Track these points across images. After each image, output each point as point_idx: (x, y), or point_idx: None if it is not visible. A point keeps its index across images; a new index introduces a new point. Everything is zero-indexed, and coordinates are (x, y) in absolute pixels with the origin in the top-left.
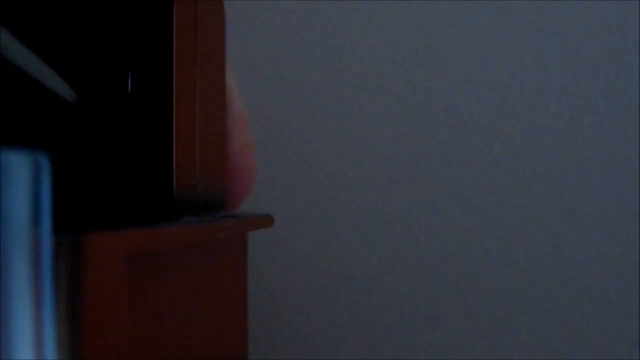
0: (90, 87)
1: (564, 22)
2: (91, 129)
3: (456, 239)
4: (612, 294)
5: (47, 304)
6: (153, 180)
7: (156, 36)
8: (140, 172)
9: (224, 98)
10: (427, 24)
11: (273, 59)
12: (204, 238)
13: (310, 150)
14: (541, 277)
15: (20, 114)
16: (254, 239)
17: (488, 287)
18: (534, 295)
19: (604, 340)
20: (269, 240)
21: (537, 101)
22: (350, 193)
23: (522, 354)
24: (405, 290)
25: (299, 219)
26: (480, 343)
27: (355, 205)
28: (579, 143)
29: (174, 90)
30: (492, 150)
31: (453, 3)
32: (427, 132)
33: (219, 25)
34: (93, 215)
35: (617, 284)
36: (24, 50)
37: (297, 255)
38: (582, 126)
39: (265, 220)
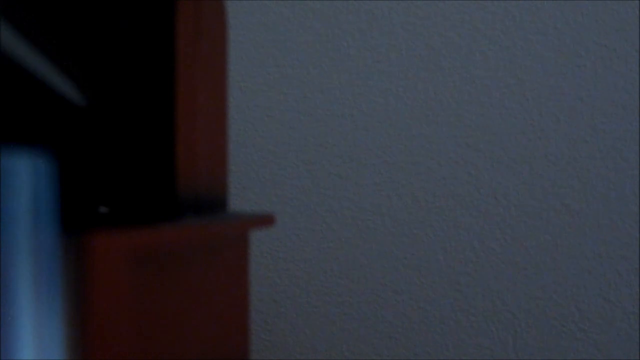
0: (94, 89)
1: (564, 22)
2: (95, 131)
3: (456, 239)
4: (612, 294)
5: (50, 303)
6: (156, 180)
7: (159, 38)
8: (143, 172)
9: (226, 98)
10: (427, 25)
11: (274, 59)
12: (206, 237)
13: (311, 150)
14: (541, 276)
15: (24, 115)
16: (255, 238)
17: (488, 287)
18: (534, 295)
19: (604, 340)
20: (270, 239)
21: (537, 101)
22: (350, 193)
23: (522, 354)
24: (406, 290)
25: (300, 219)
26: (481, 343)
27: (355, 205)
28: (578, 143)
29: (177, 91)
30: (492, 150)
31: (453, 3)
32: (427, 132)
33: (221, 26)
34: (97, 215)
35: (617, 284)
36: (29, 52)
37: (298, 254)
38: (581, 126)
39: (267, 219)
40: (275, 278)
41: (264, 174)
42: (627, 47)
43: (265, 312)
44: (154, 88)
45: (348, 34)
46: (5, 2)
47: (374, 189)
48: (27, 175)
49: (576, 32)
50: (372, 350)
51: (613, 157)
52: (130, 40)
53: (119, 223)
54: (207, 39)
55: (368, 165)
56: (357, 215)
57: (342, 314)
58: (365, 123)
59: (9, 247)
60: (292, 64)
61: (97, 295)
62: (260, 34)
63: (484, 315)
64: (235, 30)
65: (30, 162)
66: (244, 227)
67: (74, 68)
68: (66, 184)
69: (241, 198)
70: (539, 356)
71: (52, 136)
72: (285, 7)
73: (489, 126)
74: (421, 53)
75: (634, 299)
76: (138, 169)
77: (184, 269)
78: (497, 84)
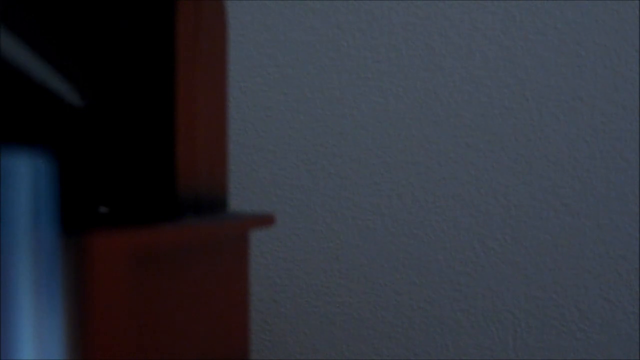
0: (94, 89)
1: (564, 22)
2: (94, 131)
3: (456, 239)
4: (612, 294)
5: (50, 303)
6: (156, 180)
7: (159, 38)
8: (143, 172)
9: (226, 98)
10: (427, 25)
11: (274, 59)
12: (206, 238)
13: (311, 150)
14: (541, 276)
15: (24, 115)
16: (255, 238)
17: (488, 287)
18: (534, 295)
19: (604, 340)
20: (270, 239)
21: (537, 101)
22: (350, 193)
23: (522, 354)
24: (406, 290)
25: (300, 219)
26: (481, 343)
27: (355, 205)
28: (578, 143)
29: (177, 91)
30: (492, 150)
31: (453, 3)
32: (427, 132)
33: (221, 27)
34: (97, 215)
35: (617, 284)
36: (29, 52)
37: (298, 254)
38: (581, 126)
39: (267, 219)
40: (275, 278)
41: (264, 174)
42: (627, 47)
43: (265, 312)
44: (153, 88)
45: (348, 34)
46: (5, 2)
47: (374, 189)
48: (27, 175)
49: (576, 32)
50: (372, 350)
51: (613, 157)
52: (130, 40)
53: (119, 223)
54: (207, 39)
55: (368, 165)
56: (357, 215)
57: (342, 314)
58: (365, 123)
59: (9, 247)
60: (292, 64)
61: (97, 295)
62: (260, 34)
63: (484, 315)
64: (235, 30)
65: (30, 162)
66: (244, 227)
67: (73, 68)
68: (66, 184)
69: (241, 198)
70: (539, 356)
71: (52, 136)
72: (285, 7)
73: (489, 126)
74: (421, 53)
75: (634, 299)
76: (138, 169)
77: (184, 269)
78: (497, 84)
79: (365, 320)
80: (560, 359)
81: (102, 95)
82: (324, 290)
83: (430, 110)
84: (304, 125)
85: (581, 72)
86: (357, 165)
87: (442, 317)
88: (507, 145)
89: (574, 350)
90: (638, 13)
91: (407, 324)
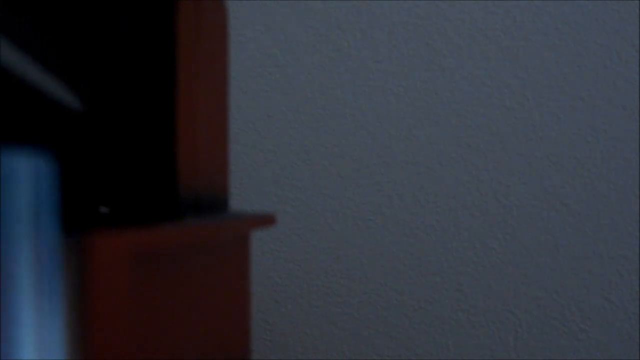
0: (94, 89)
1: (564, 22)
2: (95, 131)
3: (456, 239)
4: (613, 294)
5: (51, 302)
6: (156, 180)
7: (159, 38)
8: (143, 172)
9: (226, 98)
10: (428, 25)
11: (275, 59)
12: (206, 238)
13: (311, 150)
14: (541, 276)
15: (25, 115)
16: (255, 238)
17: (488, 286)
18: (534, 295)
19: (605, 340)
20: (271, 239)
21: (537, 101)
22: (350, 193)
23: (522, 354)
24: (406, 290)
25: (301, 218)
26: (481, 343)
27: (355, 205)
28: (578, 143)
29: (177, 91)
30: (492, 150)
31: (454, 3)
32: (427, 132)
33: (221, 26)
34: (97, 215)
35: (618, 284)
36: (29, 52)
37: (299, 254)
38: (582, 126)
39: (268, 219)
40: (275, 278)
41: (264, 174)
42: (627, 47)
43: (266, 311)
44: (154, 88)
45: (348, 33)
46: (5, 3)
47: (374, 189)
48: (28, 176)
49: (576, 32)
50: (372, 350)
51: (613, 157)
52: (131, 41)
53: (119, 223)
54: (207, 39)
55: (368, 165)
56: (357, 215)
57: (342, 314)
58: (365, 123)
59: (10, 248)
60: (292, 64)
61: (97, 295)
62: (260, 34)
63: (485, 315)
64: (236, 30)
65: (31, 162)
66: (245, 227)
67: (74, 69)
68: (67, 184)
69: (242, 198)
70: (539, 356)
71: (53, 137)
72: (285, 7)
73: (489, 126)
74: (421, 53)
75: (635, 299)
76: (139, 169)
77: (184, 269)
78: (497, 83)
79: (366, 320)
80: (561, 359)
81: (103, 96)
82: (325, 290)
83: (431, 110)
84: (304, 125)
85: (581, 72)
86: (357, 165)
87: (442, 317)
88: (507, 145)
89: (575, 350)
90: (638, 13)
91: (408, 324)
